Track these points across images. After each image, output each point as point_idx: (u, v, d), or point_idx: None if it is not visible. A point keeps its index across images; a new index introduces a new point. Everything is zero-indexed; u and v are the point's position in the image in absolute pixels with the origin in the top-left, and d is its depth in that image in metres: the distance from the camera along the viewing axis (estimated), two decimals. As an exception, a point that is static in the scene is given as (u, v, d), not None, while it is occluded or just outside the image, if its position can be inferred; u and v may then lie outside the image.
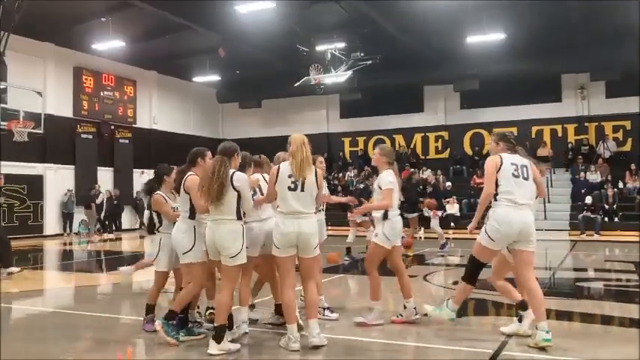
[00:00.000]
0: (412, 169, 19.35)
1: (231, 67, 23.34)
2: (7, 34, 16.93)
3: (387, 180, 5.86)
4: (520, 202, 5.03)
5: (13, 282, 9.33)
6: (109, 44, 18.98)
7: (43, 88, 19.72)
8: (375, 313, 5.87)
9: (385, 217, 5.81)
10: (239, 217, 4.93)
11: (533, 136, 23.31)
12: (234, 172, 4.95)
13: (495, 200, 5.12)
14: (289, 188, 4.96)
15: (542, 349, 4.85)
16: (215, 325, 4.88)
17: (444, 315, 5.53)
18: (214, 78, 24.27)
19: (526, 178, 5.14)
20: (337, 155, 26.13)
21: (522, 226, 4.99)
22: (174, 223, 5.41)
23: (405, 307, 5.94)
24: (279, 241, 4.97)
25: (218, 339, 4.83)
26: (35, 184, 19.74)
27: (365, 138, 25.86)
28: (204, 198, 4.86)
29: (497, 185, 5.11)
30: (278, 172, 5.03)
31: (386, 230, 5.80)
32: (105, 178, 22.16)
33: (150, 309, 5.69)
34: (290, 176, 4.97)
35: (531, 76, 21.61)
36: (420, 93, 24.87)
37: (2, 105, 16.34)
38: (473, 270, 5.32)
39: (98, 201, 20.76)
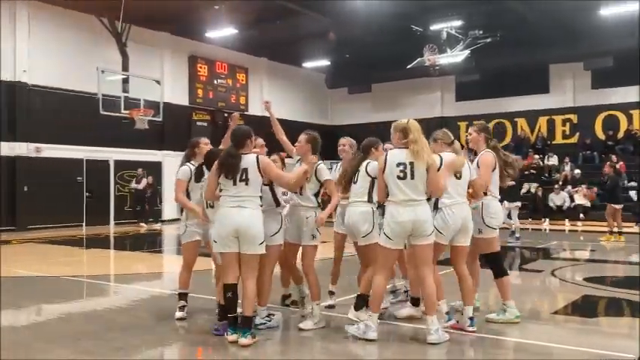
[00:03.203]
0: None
1: (341, 51, 22.83)
2: (128, 27, 17.58)
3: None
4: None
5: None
6: (222, 32, 19.15)
7: (160, 76, 20.28)
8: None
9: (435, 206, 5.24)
10: (369, 200, 5.37)
11: (678, 119, 20.76)
12: (368, 162, 5.48)
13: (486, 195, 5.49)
14: (399, 177, 4.87)
15: None
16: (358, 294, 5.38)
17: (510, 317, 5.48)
18: (323, 63, 23.90)
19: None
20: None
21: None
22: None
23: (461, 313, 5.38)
24: (393, 231, 4.85)
25: (357, 307, 5.29)
26: (154, 171, 20.46)
27: (483, 122, 24.31)
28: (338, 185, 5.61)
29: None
30: (386, 161, 4.95)
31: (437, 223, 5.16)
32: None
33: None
34: (399, 164, 4.88)
35: (678, 50, 19.11)
36: (546, 72, 22.91)
37: (124, 94, 16.91)
38: (496, 262, 5.57)
39: (141, 186, 19.04)
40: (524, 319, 5.88)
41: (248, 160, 4.94)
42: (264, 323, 5.31)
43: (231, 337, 4.81)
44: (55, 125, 17.47)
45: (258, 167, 4.93)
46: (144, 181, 19.01)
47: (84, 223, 18.27)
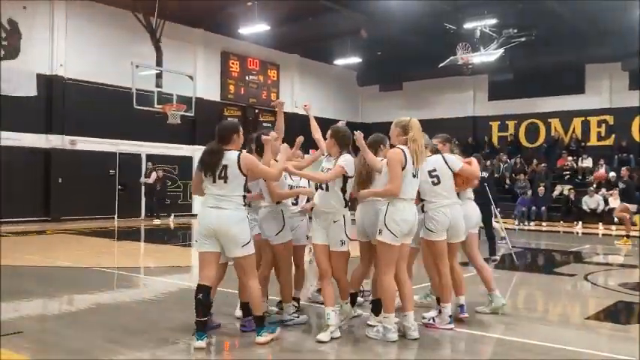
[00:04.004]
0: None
1: (373, 49, 22.70)
2: (162, 23, 17.79)
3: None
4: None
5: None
6: (254, 28, 19.20)
7: (193, 72, 20.48)
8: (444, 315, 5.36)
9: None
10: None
11: None
12: (382, 159, 5.12)
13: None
14: (413, 175, 4.88)
15: None
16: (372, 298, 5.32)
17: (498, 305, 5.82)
18: (355, 60, 23.82)
19: None
20: (483, 140, 24.51)
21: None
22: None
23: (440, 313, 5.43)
24: (400, 229, 4.76)
25: (376, 312, 5.14)
26: (185, 165, 20.69)
27: (515, 122, 23.97)
28: None
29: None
30: (406, 157, 4.81)
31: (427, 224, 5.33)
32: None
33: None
34: (413, 162, 4.87)
35: None
36: (581, 72, 22.38)
37: (158, 89, 17.10)
38: None
39: (151, 180, 18.62)
40: (555, 323, 5.76)
41: (229, 157, 4.66)
42: (292, 319, 5.30)
43: (198, 343, 4.53)
44: (90, 118, 17.79)
45: (239, 165, 4.63)
46: (153, 175, 18.73)
47: (116, 216, 18.59)
